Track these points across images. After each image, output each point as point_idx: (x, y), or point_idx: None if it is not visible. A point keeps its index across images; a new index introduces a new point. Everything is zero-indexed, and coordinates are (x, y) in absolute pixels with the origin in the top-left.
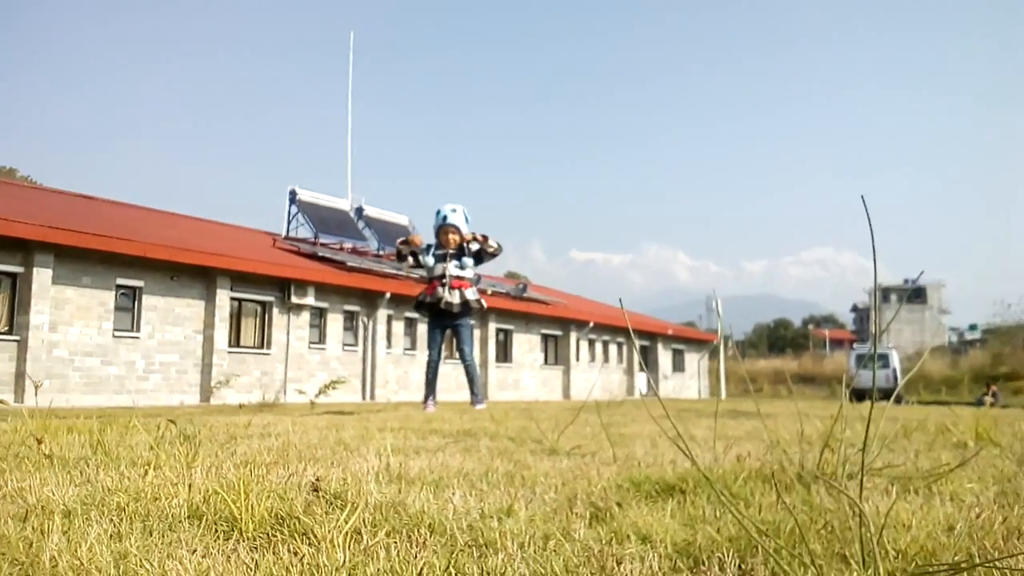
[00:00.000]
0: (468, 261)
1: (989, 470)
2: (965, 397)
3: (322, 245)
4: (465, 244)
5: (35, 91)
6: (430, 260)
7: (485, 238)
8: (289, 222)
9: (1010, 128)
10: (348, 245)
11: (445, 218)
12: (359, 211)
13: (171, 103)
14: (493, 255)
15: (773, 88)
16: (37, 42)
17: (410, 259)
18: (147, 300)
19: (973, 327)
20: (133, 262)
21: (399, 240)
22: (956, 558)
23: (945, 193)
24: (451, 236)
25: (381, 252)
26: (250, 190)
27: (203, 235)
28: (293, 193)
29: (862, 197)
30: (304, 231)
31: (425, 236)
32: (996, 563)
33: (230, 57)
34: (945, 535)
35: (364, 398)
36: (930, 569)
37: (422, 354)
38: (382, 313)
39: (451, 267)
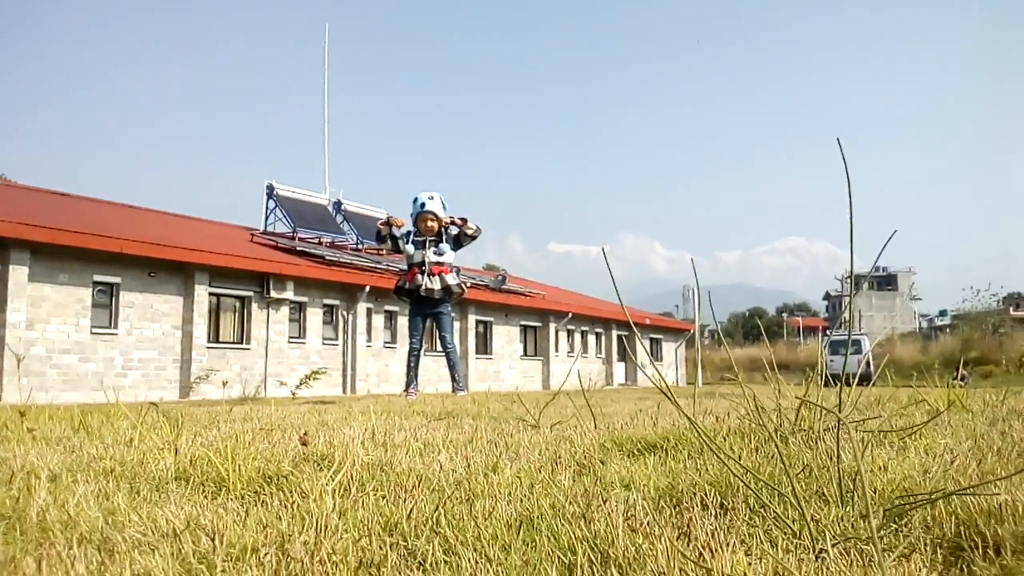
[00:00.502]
0: (446, 247)
1: (962, 429)
2: (936, 382)
3: (300, 239)
4: (444, 228)
5: (5, 89)
6: (410, 248)
7: (464, 220)
8: (267, 217)
9: (981, 117)
10: (327, 239)
11: (423, 205)
12: (337, 205)
13: (145, 99)
14: (472, 237)
15: (747, 78)
16: (6, 39)
17: (389, 243)
18: (124, 296)
19: (943, 313)
20: (110, 259)
21: (380, 221)
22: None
23: (916, 181)
24: (429, 223)
25: (360, 246)
26: (227, 185)
27: (180, 230)
28: (270, 188)
29: (838, 140)
30: (282, 226)
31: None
32: (970, 492)
33: (205, 51)
34: (921, 478)
35: (345, 391)
36: (906, 501)
37: (402, 347)
38: (362, 307)
39: (430, 253)
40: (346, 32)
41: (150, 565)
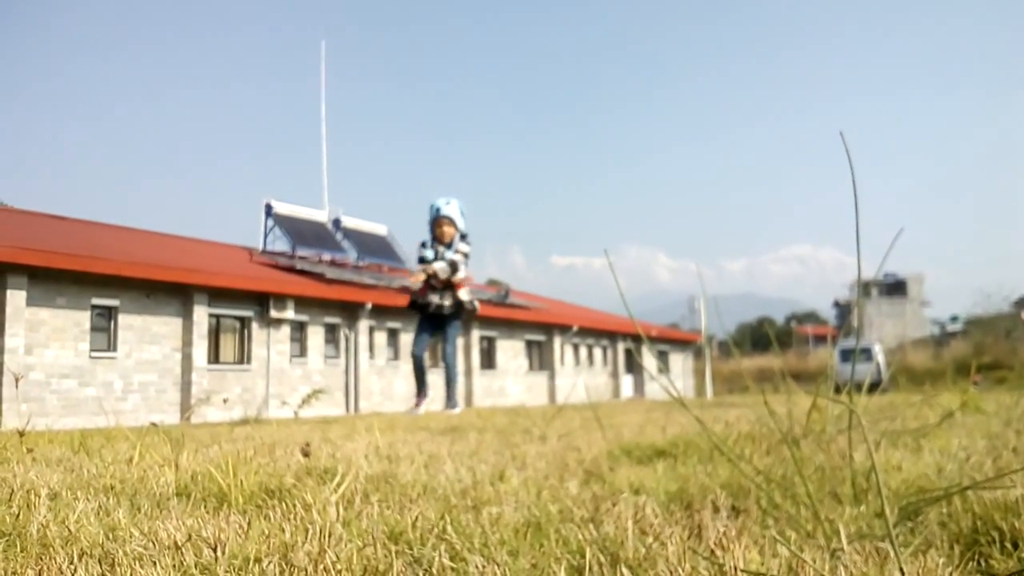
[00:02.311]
0: (458, 257)
1: (977, 430)
2: (950, 387)
3: (300, 258)
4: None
5: (3, 114)
6: (429, 253)
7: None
8: (266, 236)
9: (987, 120)
10: (327, 257)
11: (439, 210)
12: (336, 222)
13: (142, 119)
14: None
15: (749, 88)
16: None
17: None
18: (123, 319)
19: (954, 318)
20: (108, 281)
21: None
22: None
23: (923, 186)
24: (446, 228)
25: (360, 263)
26: (225, 205)
27: (178, 252)
28: (269, 206)
29: (841, 134)
30: (281, 244)
31: (411, 235)
32: (985, 486)
33: (202, 70)
34: (936, 476)
35: (348, 410)
36: (921, 498)
37: (405, 364)
38: (363, 324)
39: (446, 265)
40: (345, 45)
41: None
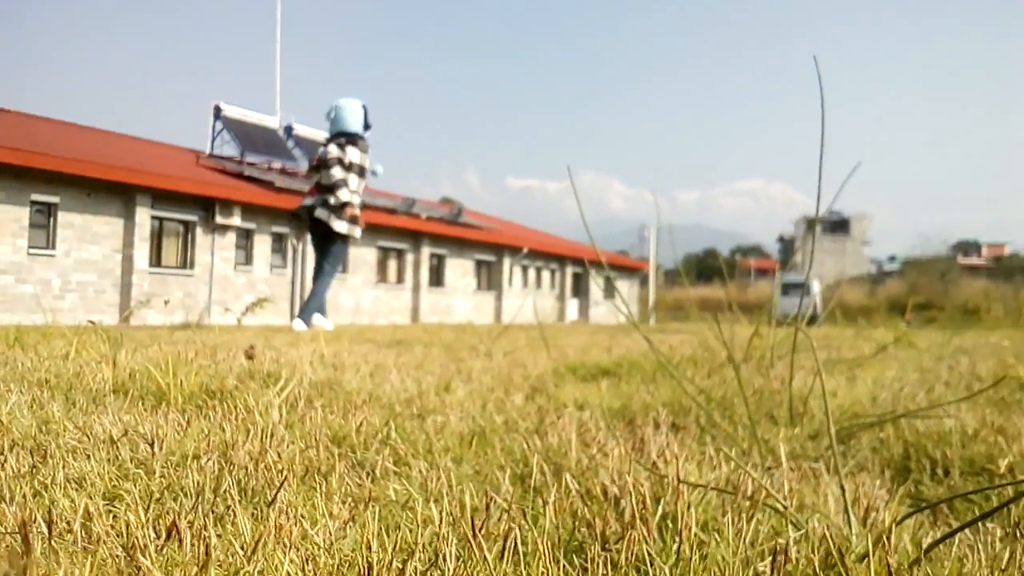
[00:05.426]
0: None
1: (910, 363)
2: (883, 325)
3: (249, 164)
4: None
5: None
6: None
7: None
8: (214, 139)
9: (941, 61)
10: (277, 165)
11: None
12: (288, 130)
13: (88, 9)
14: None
15: (710, 20)
16: None
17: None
18: (63, 217)
19: (892, 258)
20: (48, 177)
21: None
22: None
23: (876, 127)
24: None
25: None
26: (172, 106)
27: (122, 150)
28: (218, 109)
29: (815, 57)
30: (230, 149)
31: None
32: (921, 415)
33: None
34: (869, 404)
35: (293, 320)
36: (855, 423)
37: (352, 277)
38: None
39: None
40: None
41: (85, 469)
